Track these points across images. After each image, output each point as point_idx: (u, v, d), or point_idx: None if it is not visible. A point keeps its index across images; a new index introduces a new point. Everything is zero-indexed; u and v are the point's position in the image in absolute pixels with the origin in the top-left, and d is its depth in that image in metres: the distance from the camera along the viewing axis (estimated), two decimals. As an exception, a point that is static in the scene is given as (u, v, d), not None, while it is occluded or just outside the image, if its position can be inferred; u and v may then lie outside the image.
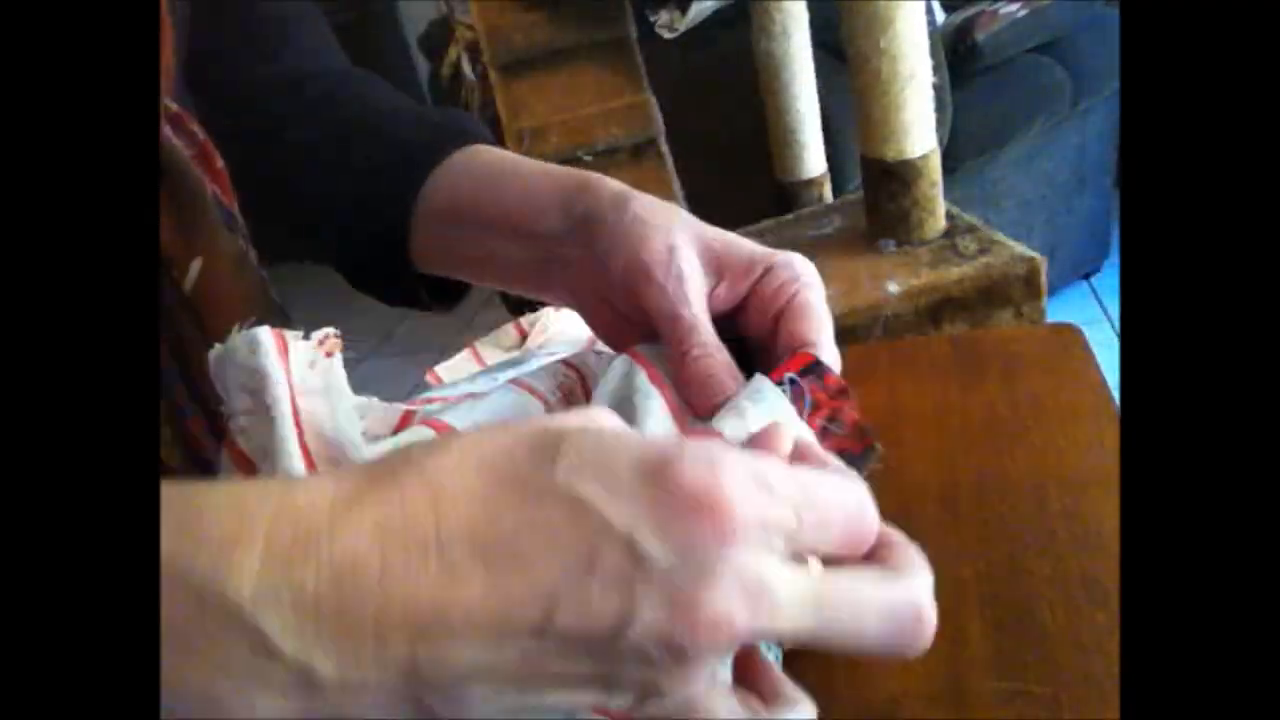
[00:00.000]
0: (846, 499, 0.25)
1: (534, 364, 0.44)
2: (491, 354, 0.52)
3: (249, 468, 0.31)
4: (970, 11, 1.86)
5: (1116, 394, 0.46)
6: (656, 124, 0.96)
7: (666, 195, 0.93)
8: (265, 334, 0.32)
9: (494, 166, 0.46)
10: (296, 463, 0.30)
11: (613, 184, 0.41)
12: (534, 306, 0.57)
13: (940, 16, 1.97)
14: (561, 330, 0.53)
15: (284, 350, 0.33)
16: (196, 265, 0.40)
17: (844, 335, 0.55)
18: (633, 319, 0.39)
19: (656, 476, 0.21)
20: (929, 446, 0.48)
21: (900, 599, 0.25)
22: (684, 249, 0.37)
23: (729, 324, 0.39)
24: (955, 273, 0.94)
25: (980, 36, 1.76)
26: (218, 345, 0.33)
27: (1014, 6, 1.82)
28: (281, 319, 0.47)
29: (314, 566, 0.20)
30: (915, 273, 0.96)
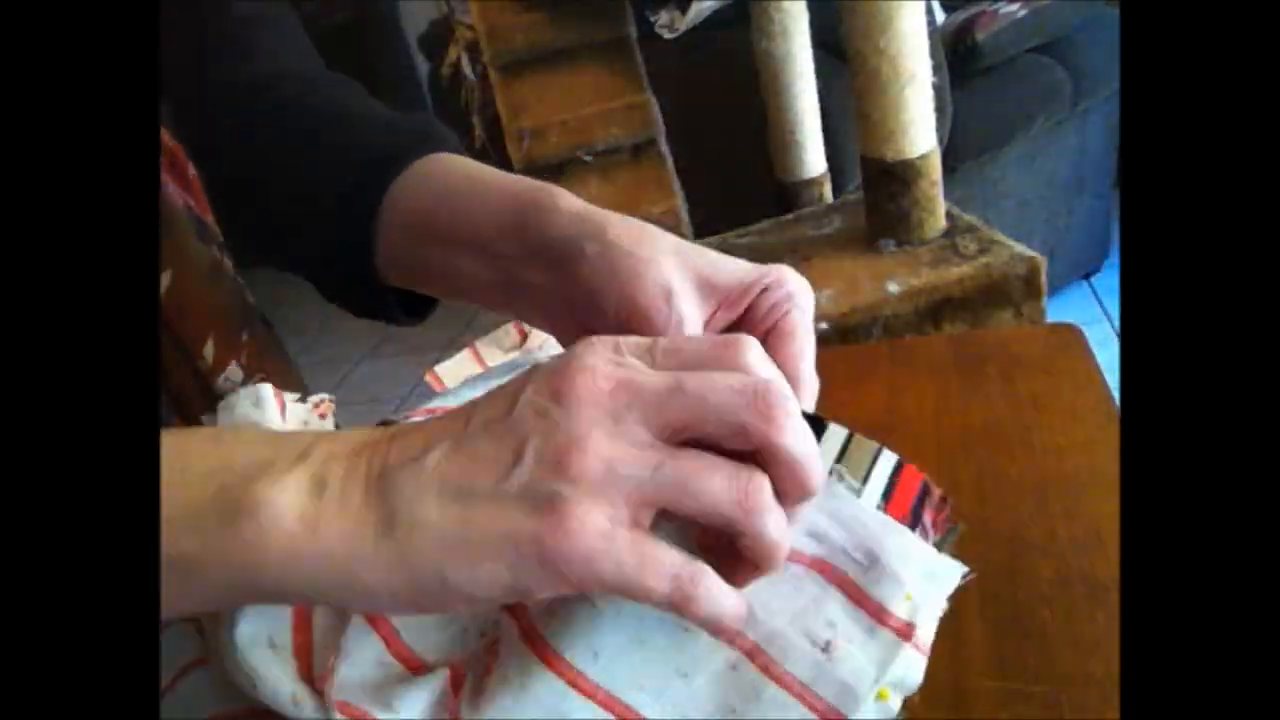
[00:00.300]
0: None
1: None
2: (492, 354, 0.52)
3: None
4: (970, 11, 1.86)
5: (1116, 394, 0.46)
6: (656, 124, 0.96)
7: (667, 195, 0.93)
8: (267, 391, 0.35)
9: (454, 178, 0.44)
10: None
11: (571, 204, 0.39)
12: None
13: (940, 16, 1.97)
14: None
15: (282, 408, 0.36)
16: (166, 277, 0.39)
17: (844, 335, 0.55)
18: None
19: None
20: (929, 446, 0.48)
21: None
22: (680, 289, 0.36)
23: None
24: (955, 273, 0.94)
25: (980, 36, 1.76)
26: (226, 397, 0.35)
27: (1014, 6, 1.82)
28: (261, 327, 0.47)
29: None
30: (915, 273, 0.96)
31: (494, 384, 0.44)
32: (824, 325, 0.86)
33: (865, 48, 0.94)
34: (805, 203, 1.36)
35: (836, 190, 1.44)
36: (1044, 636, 0.36)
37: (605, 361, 0.28)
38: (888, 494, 0.36)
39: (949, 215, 1.04)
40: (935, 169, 1.01)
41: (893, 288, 0.94)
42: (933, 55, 0.96)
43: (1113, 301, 2.12)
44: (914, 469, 0.36)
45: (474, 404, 0.29)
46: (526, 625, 0.31)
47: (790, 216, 1.23)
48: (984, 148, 1.78)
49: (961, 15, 1.87)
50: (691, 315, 0.36)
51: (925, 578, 0.33)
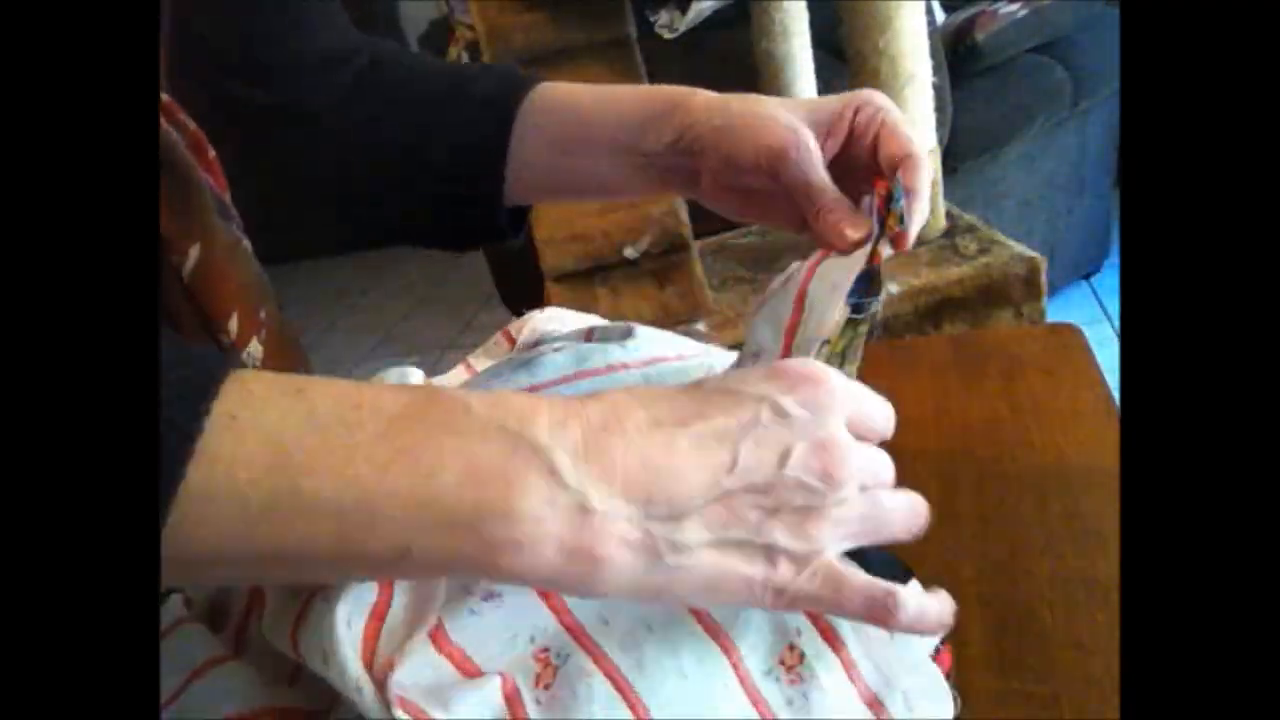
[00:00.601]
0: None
1: (544, 364, 0.44)
2: (484, 366, 0.52)
3: None
4: (970, 11, 1.86)
5: (1116, 394, 0.46)
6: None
7: (667, 195, 0.93)
8: (417, 375, 0.38)
9: (580, 94, 0.51)
10: None
11: (700, 97, 0.47)
12: (530, 306, 0.57)
13: (940, 16, 1.97)
14: (552, 331, 0.53)
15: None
16: (195, 251, 0.40)
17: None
18: (758, 195, 0.46)
19: (774, 370, 0.31)
20: (929, 446, 0.48)
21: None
22: (802, 127, 0.43)
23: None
24: (955, 273, 0.94)
25: (980, 36, 1.76)
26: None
27: (1014, 6, 1.82)
28: (276, 307, 0.47)
29: (580, 427, 0.28)
30: (915, 273, 0.96)
31: (493, 384, 0.44)
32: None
33: (865, 48, 0.94)
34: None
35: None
36: (1044, 636, 0.36)
37: (844, 434, 0.30)
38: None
39: (949, 215, 1.04)
40: (935, 169, 1.01)
41: (893, 288, 0.94)
42: (933, 55, 0.96)
43: (1113, 301, 2.12)
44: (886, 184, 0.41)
45: (738, 446, 0.29)
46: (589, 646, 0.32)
47: (790, 216, 1.22)
48: (984, 148, 1.78)
49: (961, 15, 1.87)
50: (815, 145, 0.43)
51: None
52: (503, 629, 0.32)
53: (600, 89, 0.51)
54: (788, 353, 0.40)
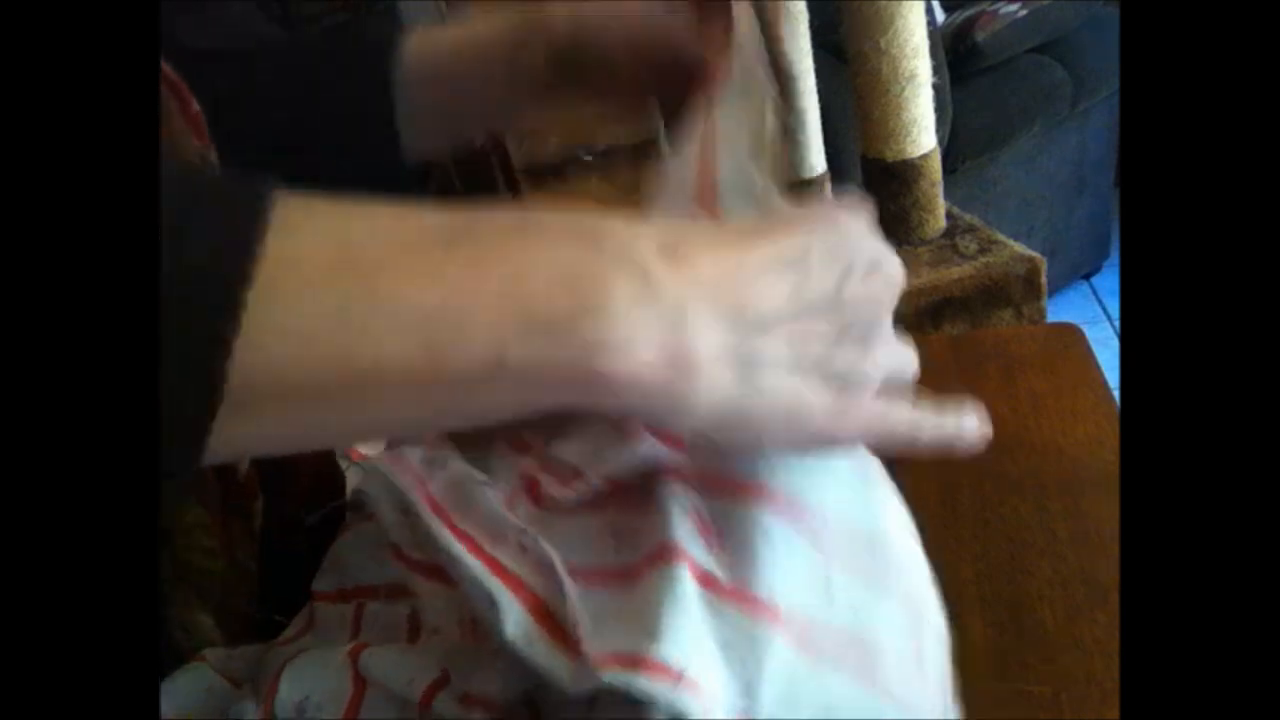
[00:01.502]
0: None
1: None
2: None
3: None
4: (970, 11, 1.86)
5: (1116, 394, 0.46)
6: (656, 124, 0.95)
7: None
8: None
9: (449, 34, 0.50)
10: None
11: (558, 13, 0.47)
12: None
13: (940, 16, 1.97)
14: None
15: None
16: None
17: (844, 335, 0.55)
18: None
19: (807, 209, 0.31)
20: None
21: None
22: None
23: None
24: (955, 273, 0.94)
25: (980, 36, 1.76)
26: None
27: (1014, 6, 1.82)
28: None
29: (655, 239, 0.27)
30: (915, 273, 0.96)
31: None
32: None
33: (865, 48, 0.94)
34: (805, 203, 1.36)
35: (837, 190, 1.44)
36: (1044, 636, 0.36)
37: (888, 255, 0.31)
38: None
39: (949, 215, 1.04)
40: (935, 169, 1.00)
41: (893, 288, 0.94)
42: (933, 55, 0.96)
43: (1113, 301, 2.12)
44: None
45: (806, 263, 0.29)
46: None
47: (790, 216, 1.22)
48: (984, 148, 1.78)
49: (961, 15, 1.87)
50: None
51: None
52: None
53: (460, 32, 0.51)
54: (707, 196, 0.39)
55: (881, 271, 0.30)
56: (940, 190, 1.02)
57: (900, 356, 0.33)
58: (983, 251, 0.97)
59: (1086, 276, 2.22)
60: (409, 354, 0.24)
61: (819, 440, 0.30)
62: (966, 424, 0.34)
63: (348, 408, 0.25)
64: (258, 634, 0.42)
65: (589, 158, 0.94)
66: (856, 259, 0.30)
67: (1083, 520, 0.41)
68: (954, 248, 0.99)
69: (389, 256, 0.24)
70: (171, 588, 0.38)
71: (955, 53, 1.76)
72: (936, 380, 0.54)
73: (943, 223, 1.03)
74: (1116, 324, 2.03)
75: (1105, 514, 0.41)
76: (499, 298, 0.25)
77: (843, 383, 0.29)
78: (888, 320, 0.31)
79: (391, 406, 0.25)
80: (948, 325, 0.94)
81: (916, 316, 0.94)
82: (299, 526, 0.48)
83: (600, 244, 0.26)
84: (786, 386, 0.28)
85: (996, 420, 0.50)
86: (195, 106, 0.42)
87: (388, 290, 0.23)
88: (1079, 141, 2.00)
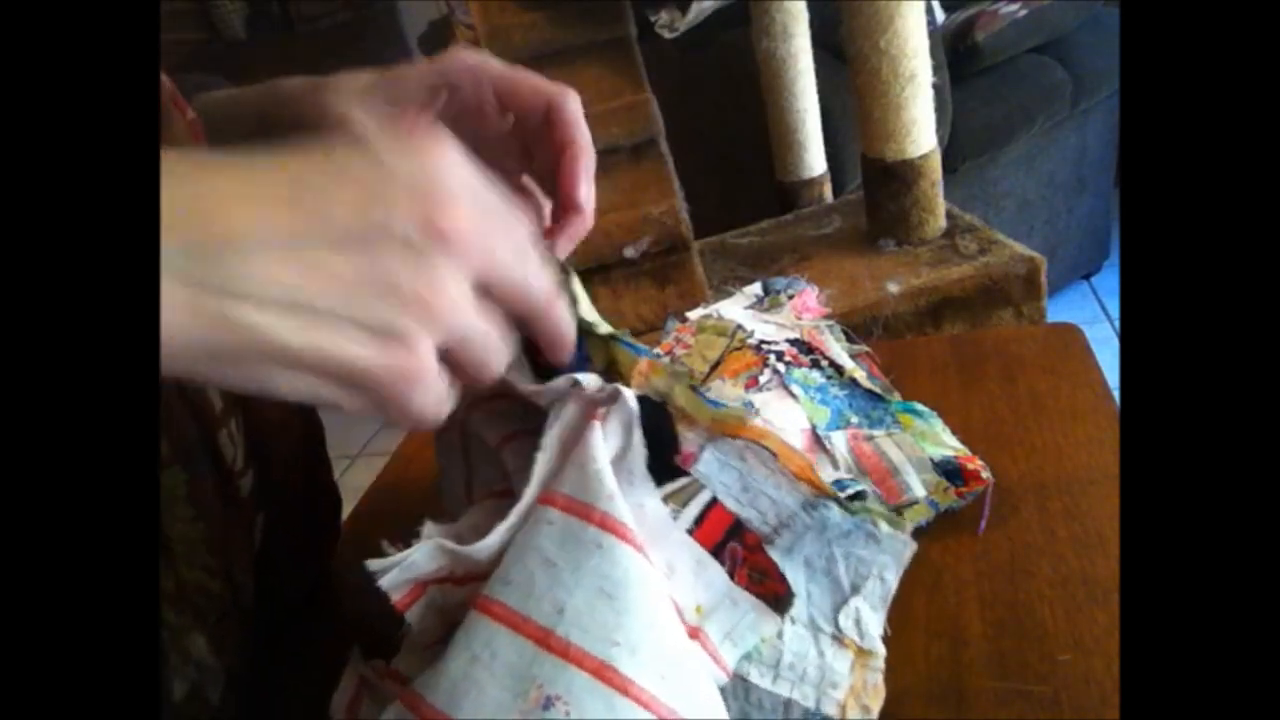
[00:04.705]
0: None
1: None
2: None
3: None
4: (970, 11, 1.86)
5: (1116, 394, 0.46)
6: (656, 124, 0.95)
7: (667, 195, 0.93)
8: None
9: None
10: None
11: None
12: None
13: (940, 16, 1.97)
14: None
15: None
16: None
17: (844, 335, 0.55)
18: None
19: (392, 119, 0.28)
20: (929, 446, 0.48)
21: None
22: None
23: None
24: (955, 273, 0.94)
25: (980, 36, 1.76)
26: None
27: (1014, 6, 1.82)
28: None
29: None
30: (915, 273, 0.96)
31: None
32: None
33: (865, 48, 0.94)
34: (805, 203, 1.36)
35: (836, 190, 1.44)
36: (1044, 636, 0.36)
37: (469, 191, 0.27)
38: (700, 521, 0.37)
39: (949, 215, 1.04)
40: (935, 169, 1.01)
41: (893, 288, 0.94)
42: (933, 55, 0.96)
43: (1113, 301, 2.12)
44: (723, 509, 0.37)
45: (323, 188, 0.26)
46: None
47: (790, 216, 1.23)
48: (984, 148, 1.78)
49: (961, 15, 1.87)
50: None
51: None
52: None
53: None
54: None
55: (440, 221, 0.26)
56: (940, 190, 1.02)
57: (482, 337, 0.28)
58: (983, 251, 0.97)
59: (1086, 276, 2.22)
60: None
61: (354, 390, 0.26)
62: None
63: None
64: (251, 655, 0.41)
65: (589, 158, 0.94)
66: (416, 185, 0.26)
67: (1083, 520, 0.41)
68: (954, 248, 0.99)
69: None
70: (170, 605, 0.38)
71: (955, 53, 1.75)
72: (936, 380, 0.54)
73: (943, 223, 1.03)
74: (1116, 324, 2.03)
75: (1105, 514, 0.41)
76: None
77: (388, 334, 0.25)
78: (450, 276, 0.26)
79: None
80: (948, 325, 0.94)
81: (916, 316, 0.94)
82: (296, 545, 0.48)
83: (195, 191, 0.24)
84: (288, 330, 0.24)
85: (996, 420, 0.50)
86: (191, 113, 0.42)
87: None
88: (1079, 141, 2.00)
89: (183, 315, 0.23)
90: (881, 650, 0.35)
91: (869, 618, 0.36)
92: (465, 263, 0.27)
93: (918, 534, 0.40)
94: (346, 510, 0.57)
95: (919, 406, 0.48)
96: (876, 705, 0.33)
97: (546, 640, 0.30)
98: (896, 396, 0.50)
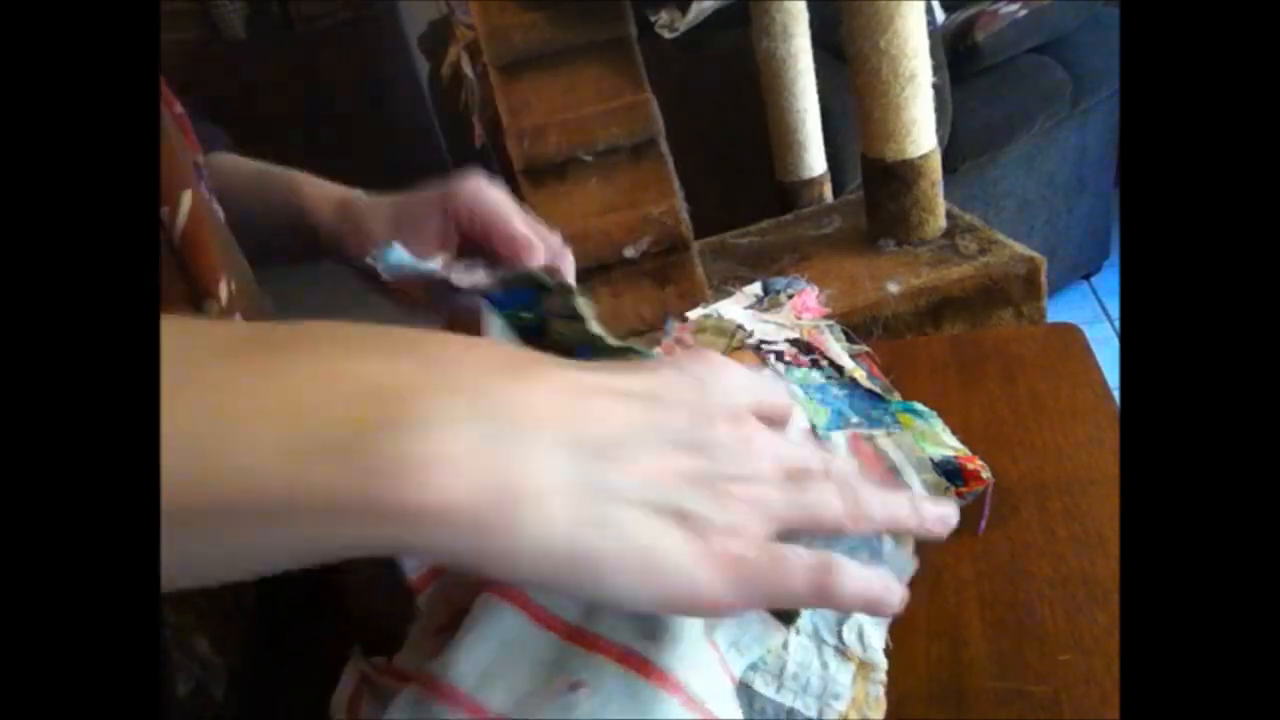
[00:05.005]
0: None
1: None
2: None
3: None
4: (970, 11, 1.86)
5: (1116, 394, 0.46)
6: (656, 124, 0.95)
7: (667, 195, 0.93)
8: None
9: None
10: None
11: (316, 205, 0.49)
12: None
13: (940, 16, 1.97)
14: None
15: None
16: (187, 199, 0.37)
17: (844, 335, 0.55)
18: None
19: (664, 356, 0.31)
20: (929, 446, 0.48)
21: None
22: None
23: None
24: (955, 273, 0.94)
25: (980, 36, 1.76)
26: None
27: (1014, 6, 1.82)
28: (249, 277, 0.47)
29: (487, 357, 0.25)
30: (915, 273, 0.96)
31: None
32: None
33: (865, 48, 0.94)
34: (805, 203, 1.36)
35: (836, 190, 1.44)
36: (1044, 636, 0.36)
37: (747, 411, 0.30)
38: None
39: (949, 215, 1.04)
40: (935, 169, 1.00)
41: (893, 288, 0.94)
42: (933, 55, 0.96)
43: (1113, 301, 2.12)
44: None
45: (655, 398, 0.27)
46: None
47: (790, 216, 1.22)
48: (984, 148, 1.78)
49: (961, 15, 1.87)
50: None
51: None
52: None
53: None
54: None
55: (747, 416, 0.28)
56: (940, 190, 1.02)
57: (800, 505, 0.28)
58: (983, 251, 0.97)
59: (1086, 276, 2.22)
60: (168, 480, 0.20)
61: (678, 595, 0.24)
62: (873, 578, 0.28)
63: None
64: (254, 653, 0.42)
65: (589, 158, 0.94)
66: (720, 400, 0.28)
67: (1083, 520, 0.41)
68: (954, 248, 0.99)
69: (171, 370, 0.21)
70: (173, 606, 0.38)
71: (955, 53, 1.75)
72: (936, 380, 0.54)
73: (943, 223, 1.03)
74: (1116, 324, 2.03)
75: (1105, 514, 0.41)
76: (279, 412, 0.21)
77: (707, 528, 0.25)
78: (765, 466, 0.28)
79: (169, 540, 0.21)
80: (948, 325, 0.94)
81: (916, 316, 0.94)
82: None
83: (427, 357, 0.23)
84: (638, 522, 0.24)
85: (996, 420, 0.50)
86: (179, 108, 0.42)
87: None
88: (1079, 141, 2.00)
89: (563, 503, 0.23)
90: (883, 663, 0.35)
91: (871, 631, 0.36)
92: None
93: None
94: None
95: (919, 406, 0.48)
96: (877, 717, 0.34)
97: (578, 637, 0.31)
98: (896, 396, 0.50)
